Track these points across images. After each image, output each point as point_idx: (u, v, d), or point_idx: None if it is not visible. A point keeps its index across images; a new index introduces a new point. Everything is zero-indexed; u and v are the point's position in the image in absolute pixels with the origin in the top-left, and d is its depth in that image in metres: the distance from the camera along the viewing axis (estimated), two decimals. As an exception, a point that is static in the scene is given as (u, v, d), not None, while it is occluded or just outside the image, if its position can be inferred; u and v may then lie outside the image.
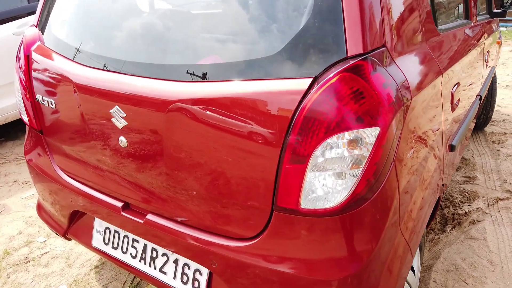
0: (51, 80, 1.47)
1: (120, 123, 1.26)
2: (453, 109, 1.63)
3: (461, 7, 2.10)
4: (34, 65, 1.55)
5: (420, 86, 1.21)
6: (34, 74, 1.55)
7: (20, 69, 1.59)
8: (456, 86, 1.66)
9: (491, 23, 2.86)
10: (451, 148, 1.65)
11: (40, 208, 1.88)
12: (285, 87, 0.99)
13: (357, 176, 0.99)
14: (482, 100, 2.51)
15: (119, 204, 1.43)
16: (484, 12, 2.82)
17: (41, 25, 1.62)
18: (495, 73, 3.38)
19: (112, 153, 1.36)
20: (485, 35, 2.50)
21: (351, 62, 0.96)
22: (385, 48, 1.04)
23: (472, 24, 2.16)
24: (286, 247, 1.10)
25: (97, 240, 1.59)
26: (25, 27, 3.58)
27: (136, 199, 1.39)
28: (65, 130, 1.50)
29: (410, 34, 1.23)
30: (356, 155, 0.98)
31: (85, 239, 1.65)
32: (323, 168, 0.99)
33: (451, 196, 2.68)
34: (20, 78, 1.60)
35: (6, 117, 3.61)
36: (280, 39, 1.03)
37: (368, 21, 0.98)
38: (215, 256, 1.22)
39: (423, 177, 1.32)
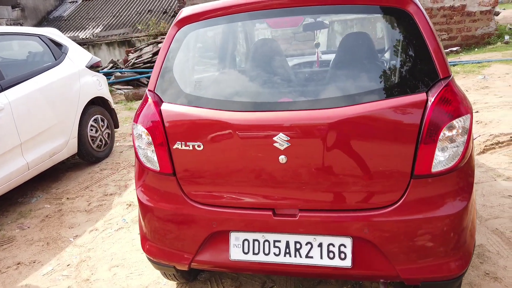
0: (197, 128, 1.86)
1: (283, 145, 1.75)
2: None
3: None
4: (168, 120, 1.91)
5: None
6: (168, 127, 1.90)
7: (152, 126, 1.92)
8: None
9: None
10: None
11: (153, 249, 2.09)
12: (413, 99, 1.67)
13: (462, 145, 1.68)
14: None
15: (268, 212, 1.85)
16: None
17: (160, 89, 2.00)
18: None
19: (269, 170, 1.80)
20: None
21: (443, 82, 1.69)
22: (451, 75, 1.81)
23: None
24: (422, 201, 1.72)
25: (236, 253, 1.92)
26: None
27: (284, 203, 1.83)
28: (209, 165, 1.88)
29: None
30: (454, 135, 1.68)
31: (218, 258, 1.96)
32: (442, 145, 1.67)
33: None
34: (152, 134, 1.92)
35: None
36: (405, 74, 1.74)
37: (444, 61, 1.73)
38: (367, 225, 1.75)
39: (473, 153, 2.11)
